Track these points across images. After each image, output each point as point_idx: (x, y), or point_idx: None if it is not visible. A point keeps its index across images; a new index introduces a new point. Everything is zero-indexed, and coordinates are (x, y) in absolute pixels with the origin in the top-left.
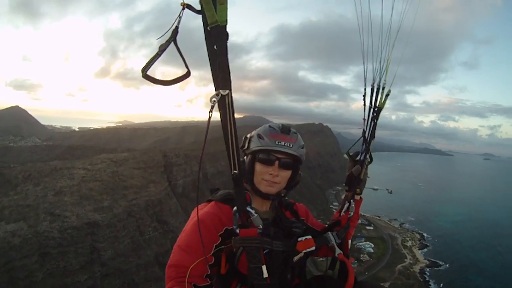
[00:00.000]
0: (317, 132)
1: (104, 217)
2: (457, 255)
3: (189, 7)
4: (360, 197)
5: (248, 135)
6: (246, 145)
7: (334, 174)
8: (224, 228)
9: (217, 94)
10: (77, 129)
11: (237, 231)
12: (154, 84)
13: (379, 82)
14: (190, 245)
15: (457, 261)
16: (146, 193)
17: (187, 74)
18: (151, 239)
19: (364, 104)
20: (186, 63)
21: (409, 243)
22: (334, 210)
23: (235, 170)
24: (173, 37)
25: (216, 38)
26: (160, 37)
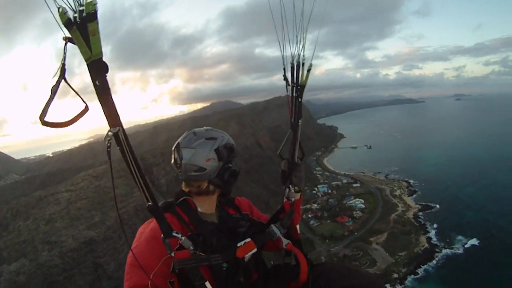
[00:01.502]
0: (285, 103)
1: (99, 232)
2: (444, 194)
3: (72, 40)
4: (301, 195)
5: (227, 143)
6: (234, 151)
7: (311, 140)
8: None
9: (109, 132)
10: (51, 155)
11: (172, 254)
12: (55, 128)
13: (299, 59)
14: (147, 264)
15: (445, 201)
16: (132, 199)
17: (86, 109)
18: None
19: (286, 84)
20: (82, 99)
21: (397, 192)
22: (318, 175)
23: (149, 202)
24: (62, 75)
25: (95, 73)
26: (54, 75)
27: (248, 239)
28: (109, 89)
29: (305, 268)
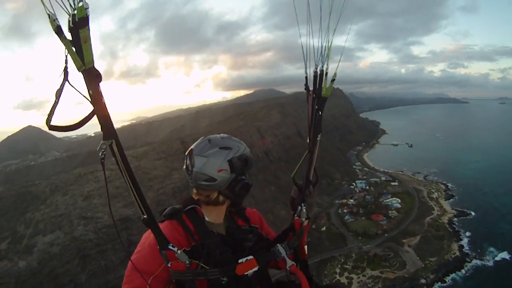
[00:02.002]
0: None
1: (135, 210)
2: (481, 202)
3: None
4: (308, 222)
5: (242, 154)
6: (249, 163)
7: (352, 134)
8: (183, 249)
9: (102, 145)
10: (93, 134)
11: (169, 265)
12: (62, 131)
13: (322, 67)
14: (148, 268)
15: (481, 208)
16: (171, 181)
17: (93, 112)
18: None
19: (307, 93)
20: (90, 100)
21: (435, 195)
22: (357, 170)
23: (144, 215)
24: (65, 78)
25: (88, 82)
26: (60, 75)
27: (251, 257)
28: (103, 98)
29: None
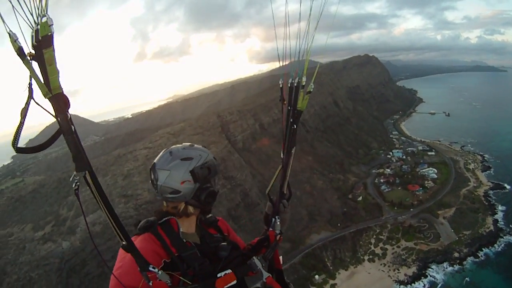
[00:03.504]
0: (365, 63)
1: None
2: None
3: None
4: (281, 237)
5: (205, 162)
6: (213, 171)
7: (389, 103)
8: (163, 261)
9: (75, 176)
10: (130, 116)
11: (150, 283)
12: (31, 153)
13: (299, 78)
14: (132, 284)
15: None
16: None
17: (60, 131)
18: (221, 196)
19: (282, 105)
20: (58, 120)
21: (471, 166)
22: (394, 139)
23: (123, 241)
24: (30, 96)
25: (56, 110)
26: (25, 90)
27: (229, 271)
28: (72, 127)
29: None
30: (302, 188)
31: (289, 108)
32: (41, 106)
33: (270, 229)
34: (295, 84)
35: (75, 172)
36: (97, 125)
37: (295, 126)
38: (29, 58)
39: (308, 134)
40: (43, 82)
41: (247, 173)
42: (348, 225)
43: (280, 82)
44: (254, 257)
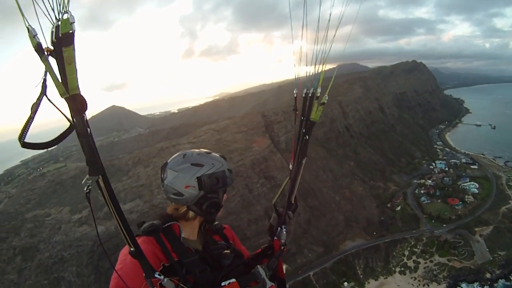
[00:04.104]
0: (412, 70)
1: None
2: None
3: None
4: (284, 248)
5: (215, 171)
6: (222, 182)
7: (435, 112)
8: (162, 264)
9: (88, 180)
10: (176, 111)
11: None
12: (37, 149)
13: (314, 89)
14: (133, 285)
15: None
16: (250, 153)
17: (71, 128)
18: (260, 195)
19: (295, 115)
20: (66, 117)
21: None
22: (438, 150)
23: (131, 247)
24: (44, 92)
25: (72, 111)
26: (37, 84)
27: (233, 280)
28: (87, 130)
29: None
30: (341, 193)
31: (302, 118)
32: (54, 104)
33: (275, 238)
34: (310, 95)
35: (87, 176)
36: (143, 117)
37: (307, 137)
38: (46, 54)
39: (352, 139)
40: (60, 81)
41: (288, 174)
42: (384, 234)
43: (294, 92)
44: (258, 266)
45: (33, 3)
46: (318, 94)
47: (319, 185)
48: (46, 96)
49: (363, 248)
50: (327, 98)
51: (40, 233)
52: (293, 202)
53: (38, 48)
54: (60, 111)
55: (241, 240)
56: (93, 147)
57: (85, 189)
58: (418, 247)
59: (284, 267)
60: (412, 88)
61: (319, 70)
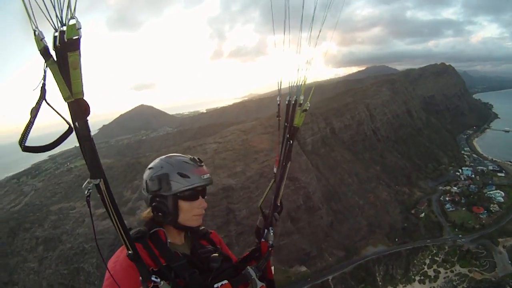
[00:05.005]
0: (441, 73)
1: (238, 181)
2: None
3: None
4: (271, 250)
5: (159, 175)
6: (165, 186)
7: (464, 117)
8: (151, 269)
9: (89, 183)
10: (205, 111)
11: None
12: (37, 152)
13: (297, 97)
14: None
15: None
16: (275, 154)
17: (70, 130)
18: (283, 196)
19: (279, 121)
20: (66, 120)
21: None
22: (465, 156)
23: (129, 250)
24: (43, 96)
25: (75, 115)
26: (36, 88)
27: (225, 281)
28: (89, 134)
29: None
30: (365, 198)
31: (286, 124)
32: (53, 108)
33: (263, 240)
34: (293, 102)
35: (89, 179)
36: (171, 117)
37: (291, 142)
38: (52, 58)
39: (379, 143)
40: (65, 85)
41: (313, 176)
42: (406, 241)
43: (278, 99)
44: (248, 267)
45: (44, 4)
46: (301, 102)
47: (343, 188)
48: (46, 100)
49: (384, 255)
50: (308, 105)
51: (64, 225)
52: (279, 204)
53: (45, 51)
54: (60, 115)
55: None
56: (95, 150)
57: (86, 192)
58: (439, 256)
59: (272, 268)
60: (440, 92)
61: (303, 79)
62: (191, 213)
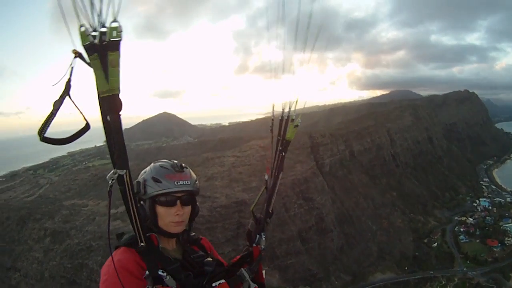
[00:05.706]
0: (464, 100)
1: (252, 196)
2: None
3: (82, 57)
4: (261, 252)
5: (140, 179)
6: (142, 190)
7: (485, 146)
8: (146, 271)
9: (114, 173)
10: (227, 124)
11: None
12: (54, 144)
13: (289, 113)
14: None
15: None
16: (292, 173)
17: (87, 127)
18: (296, 215)
19: (272, 135)
20: (84, 117)
21: None
22: (483, 187)
23: (142, 242)
24: (67, 91)
25: (109, 108)
26: (55, 84)
27: (223, 281)
28: (121, 126)
29: None
30: (379, 223)
31: (279, 137)
32: (75, 104)
33: (254, 244)
34: (286, 118)
35: (114, 169)
36: (193, 127)
37: (283, 154)
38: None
39: (398, 168)
40: (105, 79)
41: (328, 198)
42: (415, 270)
43: (271, 115)
44: (242, 269)
45: (91, 3)
46: (293, 117)
47: (358, 212)
48: (69, 96)
49: (392, 282)
50: (300, 121)
51: (74, 221)
52: (270, 211)
53: (90, 46)
54: (80, 111)
55: (270, 258)
56: (123, 143)
57: (109, 182)
58: (448, 287)
59: (263, 271)
60: (463, 119)
61: (295, 98)
62: (167, 219)
